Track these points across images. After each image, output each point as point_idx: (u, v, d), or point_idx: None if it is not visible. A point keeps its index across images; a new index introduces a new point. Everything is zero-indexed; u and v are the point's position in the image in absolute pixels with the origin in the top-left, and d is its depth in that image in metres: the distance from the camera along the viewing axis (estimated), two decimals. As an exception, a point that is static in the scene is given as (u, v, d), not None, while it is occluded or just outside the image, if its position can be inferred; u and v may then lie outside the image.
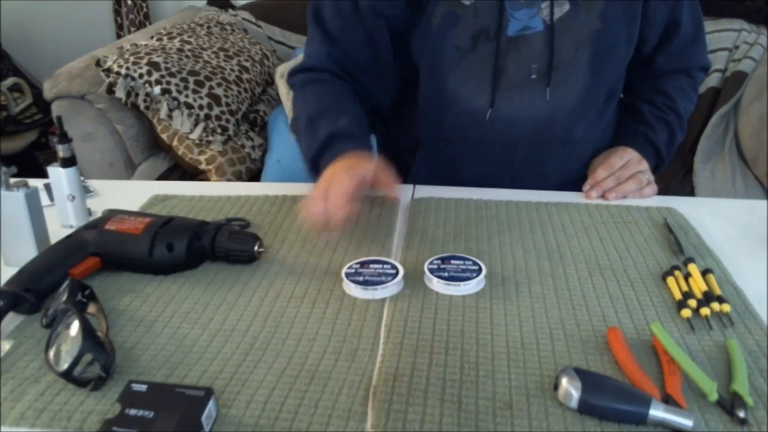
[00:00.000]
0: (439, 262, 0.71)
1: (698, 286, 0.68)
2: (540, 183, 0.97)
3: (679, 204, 0.89)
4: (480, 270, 0.70)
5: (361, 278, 0.69)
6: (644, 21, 0.94)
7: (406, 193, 0.94)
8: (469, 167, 0.99)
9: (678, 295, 0.67)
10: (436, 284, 0.69)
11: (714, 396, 0.53)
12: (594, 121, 0.97)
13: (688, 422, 0.50)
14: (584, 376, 0.52)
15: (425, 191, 0.94)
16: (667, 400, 0.52)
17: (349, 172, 0.76)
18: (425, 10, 0.91)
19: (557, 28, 0.89)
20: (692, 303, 0.65)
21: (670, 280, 0.70)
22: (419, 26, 0.92)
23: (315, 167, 0.86)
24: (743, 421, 0.51)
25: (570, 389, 0.51)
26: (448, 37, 0.92)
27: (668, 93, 1.01)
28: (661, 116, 1.01)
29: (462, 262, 0.71)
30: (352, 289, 0.69)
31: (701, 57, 1.04)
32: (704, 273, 0.70)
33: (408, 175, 1.03)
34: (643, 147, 0.98)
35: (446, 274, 0.69)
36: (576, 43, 0.90)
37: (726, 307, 0.64)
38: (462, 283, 0.68)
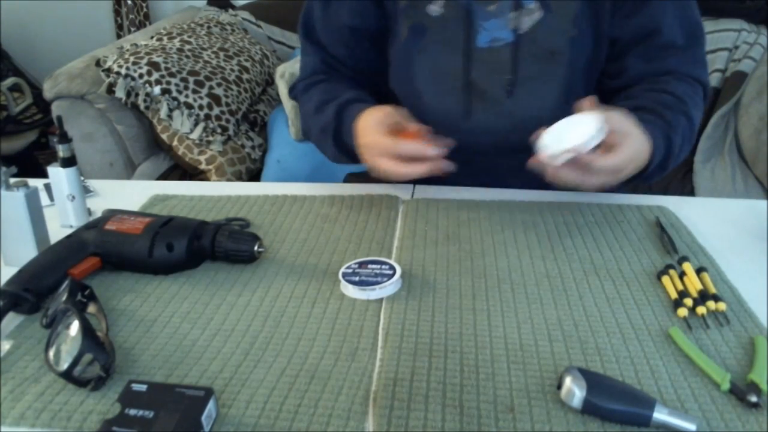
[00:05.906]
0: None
1: (693, 284, 0.68)
2: (526, 186, 0.94)
3: (671, 203, 0.89)
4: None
5: (357, 278, 0.69)
6: (614, 18, 0.87)
7: (405, 193, 0.94)
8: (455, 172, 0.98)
9: (674, 294, 0.67)
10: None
11: (726, 385, 0.54)
12: None
13: (691, 426, 0.50)
14: (588, 377, 0.52)
15: (425, 191, 0.94)
16: None
17: (376, 122, 0.81)
18: (396, 22, 0.92)
19: (523, 39, 0.87)
20: (688, 302, 0.65)
21: (665, 279, 0.70)
22: (392, 37, 0.93)
23: (343, 147, 0.90)
24: (755, 405, 0.52)
25: (574, 388, 0.51)
26: (416, 49, 0.91)
27: (675, 92, 0.88)
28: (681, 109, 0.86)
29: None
30: (349, 290, 0.69)
31: (693, 68, 0.91)
32: (698, 272, 0.70)
33: None
34: (659, 147, 0.81)
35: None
36: (549, 52, 0.87)
37: (722, 306, 0.64)
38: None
